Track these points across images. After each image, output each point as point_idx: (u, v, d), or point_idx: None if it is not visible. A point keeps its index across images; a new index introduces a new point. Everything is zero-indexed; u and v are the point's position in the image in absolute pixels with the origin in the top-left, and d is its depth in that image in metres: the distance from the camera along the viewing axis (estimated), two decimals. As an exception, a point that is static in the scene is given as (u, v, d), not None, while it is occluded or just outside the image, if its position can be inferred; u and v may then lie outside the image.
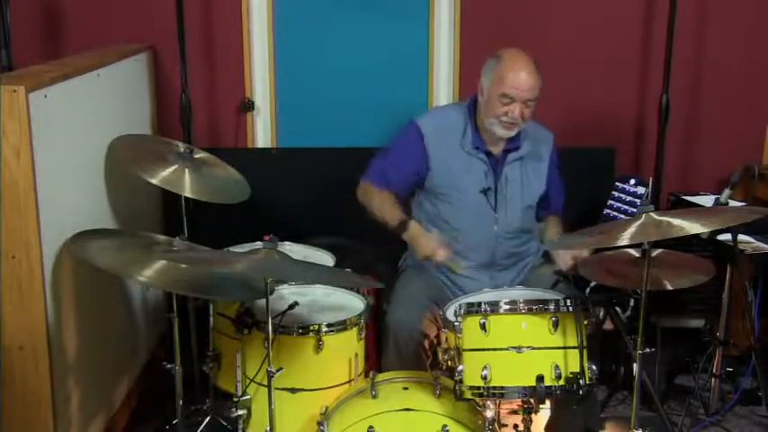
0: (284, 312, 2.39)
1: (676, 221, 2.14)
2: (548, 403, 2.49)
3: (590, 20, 3.73)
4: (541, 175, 2.96)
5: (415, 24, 3.73)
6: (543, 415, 2.52)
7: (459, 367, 2.26)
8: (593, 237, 2.36)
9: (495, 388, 2.21)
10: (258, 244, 2.42)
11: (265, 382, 2.31)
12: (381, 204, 2.87)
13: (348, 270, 2.69)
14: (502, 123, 2.79)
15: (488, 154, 2.87)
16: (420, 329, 2.68)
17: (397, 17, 3.72)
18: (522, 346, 2.22)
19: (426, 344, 2.70)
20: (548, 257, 2.92)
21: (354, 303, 2.63)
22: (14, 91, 2.14)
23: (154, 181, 2.68)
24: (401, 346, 2.66)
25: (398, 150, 2.94)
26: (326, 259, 2.95)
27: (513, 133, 2.83)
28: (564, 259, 2.72)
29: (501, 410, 2.45)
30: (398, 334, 2.66)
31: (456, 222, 2.87)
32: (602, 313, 2.90)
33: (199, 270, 2.45)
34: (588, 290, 2.62)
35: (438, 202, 2.90)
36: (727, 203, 2.90)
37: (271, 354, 2.26)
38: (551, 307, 2.24)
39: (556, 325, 2.23)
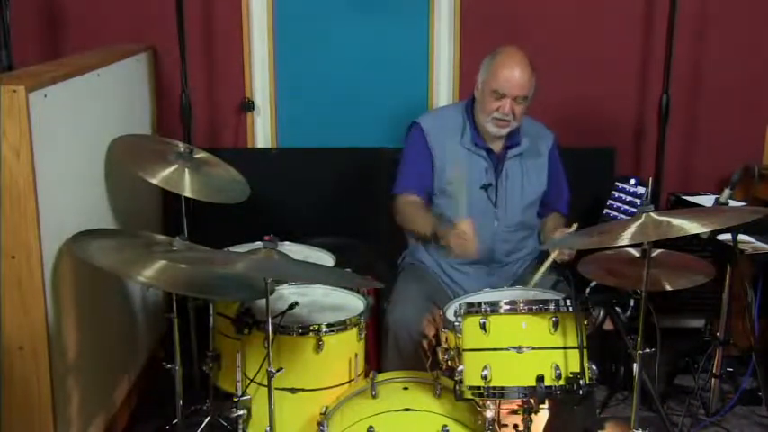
0: (284, 312, 2.39)
1: (676, 221, 2.13)
2: (547, 403, 2.49)
3: (590, 20, 3.73)
4: (541, 172, 2.97)
5: (415, 24, 3.73)
6: (543, 415, 2.51)
7: (460, 367, 2.25)
8: (593, 237, 2.36)
9: (495, 388, 2.21)
10: (258, 244, 2.41)
11: (265, 383, 2.31)
12: (411, 214, 2.88)
13: (348, 270, 2.69)
14: (494, 121, 2.81)
15: (488, 151, 2.89)
16: (419, 329, 2.68)
17: (397, 17, 3.73)
18: (522, 346, 2.21)
19: (425, 344, 2.70)
20: (545, 257, 2.91)
21: (354, 303, 2.63)
22: (14, 91, 2.14)
23: (154, 181, 2.67)
24: (401, 346, 2.66)
25: (410, 154, 2.97)
26: (326, 259, 2.95)
27: (504, 131, 2.84)
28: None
29: (501, 410, 2.44)
30: (398, 333, 2.67)
31: (456, 218, 2.87)
32: (602, 313, 2.90)
33: (199, 270, 2.45)
34: (588, 290, 2.61)
35: (438, 198, 2.91)
36: (727, 203, 2.90)
37: (271, 354, 2.26)
38: (551, 307, 2.23)
39: (556, 325, 2.22)
